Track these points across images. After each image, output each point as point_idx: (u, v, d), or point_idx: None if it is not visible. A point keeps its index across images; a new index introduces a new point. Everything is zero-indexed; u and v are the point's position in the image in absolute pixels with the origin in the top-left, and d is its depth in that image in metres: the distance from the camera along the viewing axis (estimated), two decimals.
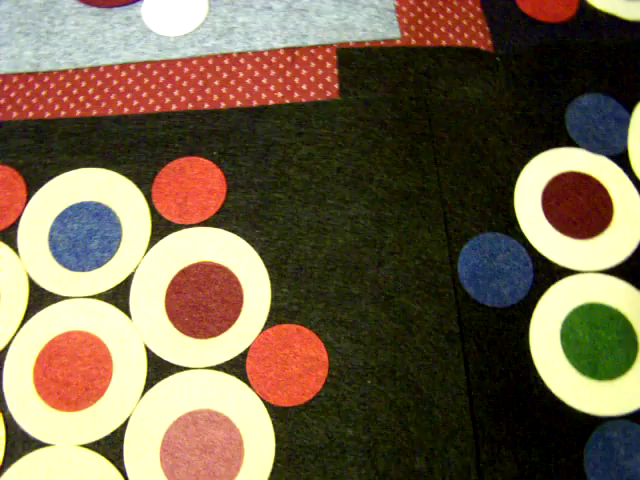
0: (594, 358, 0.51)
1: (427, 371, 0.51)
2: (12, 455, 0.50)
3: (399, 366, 0.51)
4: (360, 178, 0.56)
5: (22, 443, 0.50)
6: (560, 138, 0.58)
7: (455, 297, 0.53)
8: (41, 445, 0.50)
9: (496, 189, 0.56)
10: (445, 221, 0.55)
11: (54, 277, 0.54)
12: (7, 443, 0.50)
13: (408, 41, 0.61)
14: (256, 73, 0.60)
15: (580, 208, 0.55)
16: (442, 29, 0.62)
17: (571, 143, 0.57)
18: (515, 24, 0.62)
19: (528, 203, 0.55)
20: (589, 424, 0.50)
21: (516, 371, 0.51)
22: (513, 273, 0.53)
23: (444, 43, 0.61)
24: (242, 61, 0.61)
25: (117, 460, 0.50)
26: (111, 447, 0.50)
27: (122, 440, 0.50)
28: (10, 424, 0.51)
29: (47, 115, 0.60)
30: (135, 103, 0.60)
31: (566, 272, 0.54)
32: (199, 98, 0.59)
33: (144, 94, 0.60)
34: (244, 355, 0.52)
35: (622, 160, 0.57)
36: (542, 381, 0.51)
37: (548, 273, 0.54)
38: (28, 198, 0.57)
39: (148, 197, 0.56)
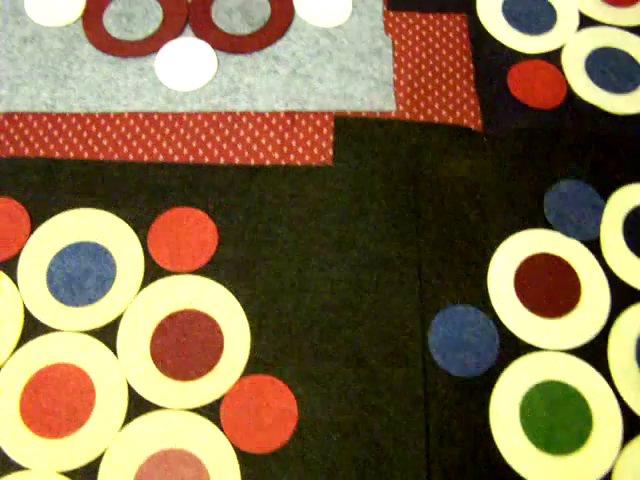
0: (550, 433, 0.54)
1: (390, 431, 0.54)
2: None
3: (364, 424, 0.54)
4: (344, 243, 0.59)
5: (0, 465, 0.53)
6: (537, 220, 0.61)
7: (423, 363, 0.56)
8: (18, 468, 0.53)
9: (472, 263, 0.59)
10: (420, 290, 0.58)
11: (49, 309, 0.57)
12: None
13: (402, 114, 0.65)
14: (256, 133, 0.64)
15: (550, 288, 0.58)
16: (436, 105, 0.65)
17: (547, 225, 0.61)
18: (506, 107, 0.65)
19: (501, 279, 0.58)
20: None
21: (475, 440, 0.54)
22: (480, 346, 0.56)
23: (436, 119, 0.64)
24: (244, 120, 0.64)
25: None
26: (86, 476, 0.52)
27: (97, 471, 0.53)
28: None
29: (57, 154, 0.63)
30: (140, 151, 0.63)
31: (531, 349, 0.57)
32: (200, 152, 0.63)
33: (149, 143, 0.63)
34: (219, 401, 0.55)
35: (594, 246, 0.60)
36: (498, 451, 0.53)
37: (513, 349, 0.57)
38: (31, 232, 0.60)
39: (144, 242, 0.59)
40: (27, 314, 0.57)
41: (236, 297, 0.58)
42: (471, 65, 0.68)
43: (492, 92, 0.66)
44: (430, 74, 0.67)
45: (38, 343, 0.56)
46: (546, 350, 0.57)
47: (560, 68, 0.69)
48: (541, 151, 0.63)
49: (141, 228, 0.60)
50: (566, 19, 0.72)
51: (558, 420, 0.54)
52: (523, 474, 0.53)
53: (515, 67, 0.68)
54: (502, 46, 0.69)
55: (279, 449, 0.53)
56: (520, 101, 0.66)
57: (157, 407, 0.55)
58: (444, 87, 0.66)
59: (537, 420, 0.54)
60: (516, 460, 0.53)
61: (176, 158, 0.63)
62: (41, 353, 0.56)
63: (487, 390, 0.55)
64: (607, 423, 0.54)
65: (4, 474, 0.53)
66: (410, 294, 0.57)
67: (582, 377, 0.56)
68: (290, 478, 0.52)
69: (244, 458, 0.53)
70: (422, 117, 0.65)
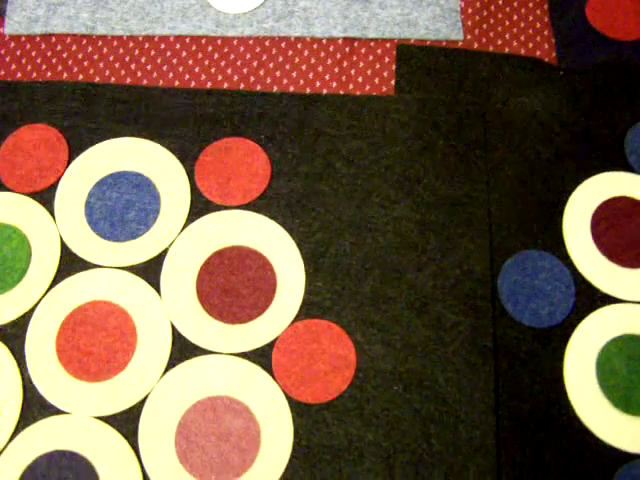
0: (629, 391, 0.50)
1: (456, 384, 0.49)
2: (27, 418, 0.49)
3: (428, 376, 0.50)
4: (408, 179, 0.55)
5: (38, 407, 0.50)
6: (617, 161, 0.56)
7: (492, 312, 0.51)
8: (57, 412, 0.50)
9: (545, 206, 0.54)
10: (490, 233, 0.53)
11: (87, 244, 0.54)
12: (23, 405, 0.50)
13: (470, 44, 0.60)
14: (312, 60, 0.59)
15: (630, 235, 0.54)
16: (506, 36, 0.60)
17: (628, 167, 0.56)
18: (583, 38, 0.60)
19: (577, 224, 0.54)
20: (617, 459, 0.48)
21: (547, 395, 0.50)
22: (554, 294, 0.52)
23: (507, 50, 0.59)
24: (299, 46, 0.60)
25: (131, 437, 0.49)
26: (126, 423, 0.49)
27: (138, 417, 0.49)
28: (28, 386, 0.50)
29: (97, 79, 0.59)
30: (187, 77, 0.59)
31: (608, 299, 0.52)
32: (252, 79, 0.58)
33: (196, 69, 0.59)
34: (271, 345, 0.51)
35: None
36: (572, 408, 0.49)
37: (590, 298, 0.52)
38: (69, 161, 0.56)
39: (190, 174, 0.55)
40: (65, 248, 0.54)
41: (290, 234, 0.53)
42: None
43: (568, 22, 0.61)
44: (500, 1, 0.62)
45: (76, 279, 0.53)
46: (626, 302, 0.52)
47: None
48: (622, 87, 0.58)
49: (188, 159, 0.56)
50: None
51: (638, 378, 0.50)
52: (598, 434, 0.49)
53: None
54: None
55: (335, 399, 0.49)
56: (600, 32, 0.60)
57: (203, 351, 0.51)
58: (516, 16, 0.61)
59: (615, 377, 0.50)
60: (591, 419, 0.49)
61: (225, 85, 0.58)
62: (79, 290, 0.52)
63: (561, 342, 0.51)
64: None
65: (42, 417, 0.49)
66: (479, 237, 0.53)
67: None
68: (346, 431, 0.49)
69: (297, 408, 0.49)
70: (491, 47, 0.60)
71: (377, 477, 0.48)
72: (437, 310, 0.51)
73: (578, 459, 0.48)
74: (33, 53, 0.60)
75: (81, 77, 0.59)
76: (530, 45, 0.60)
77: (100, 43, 0.60)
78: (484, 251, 0.53)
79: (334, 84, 0.58)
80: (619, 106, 0.57)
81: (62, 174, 0.56)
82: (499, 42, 0.60)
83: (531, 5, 0.61)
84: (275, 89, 0.58)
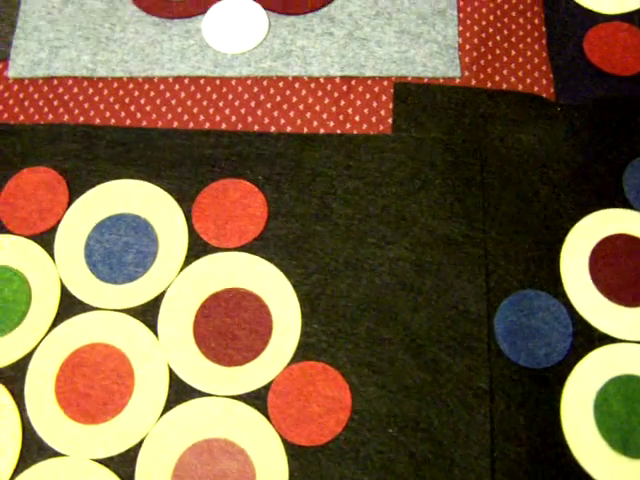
0: (627, 433, 0.49)
1: (451, 426, 0.49)
2: (26, 460, 0.50)
3: (423, 418, 0.50)
4: (404, 219, 0.55)
5: (37, 449, 0.50)
6: (615, 198, 0.55)
7: (488, 353, 0.51)
8: (55, 454, 0.50)
9: (543, 244, 0.54)
10: (486, 272, 0.53)
11: (86, 286, 0.54)
12: (22, 447, 0.50)
13: (468, 81, 0.60)
14: (310, 99, 0.59)
15: (629, 273, 0.53)
16: (504, 72, 0.60)
17: (627, 204, 0.55)
18: (581, 74, 0.60)
19: (575, 262, 0.54)
20: None
21: (544, 437, 0.49)
22: (551, 334, 0.52)
23: (505, 86, 0.59)
24: (297, 85, 0.60)
25: (128, 479, 0.49)
26: (124, 465, 0.50)
27: (135, 459, 0.49)
28: (27, 428, 0.51)
29: (97, 121, 0.60)
30: (185, 118, 0.59)
31: (607, 339, 0.52)
32: (249, 119, 0.59)
33: (195, 109, 0.59)
34: (267, 388, 0.51)
35: None
36: (570, 451, 0.49)
37: (588, 338, 0.52)
38: (69, 203, 0.57)
39: (188, 215, 0.56)
40: (64, 290, 0.54)
41: (286, 276, 0.54)
42: (543, 28, 0.62)
43: (566, 57, 0.61)
44: (498, 37, 0.62)
45: (75, 322, 0.53)
46: (624, 341, 0.52)
47: None
48: (620, 122, 0.58)
49: (185, 200, 0.56)
50: None
51: (637, 419, 0.49)
52: (596, 477, 0.48)
53: (593, 30, 0.62)
54: (578, 6, 0.63)
55: (330, 442, 0.49)
56: (598, 67, 0.60)
57: (200, 393, 0.51)
58: (513, 52, 0.61)
59: (614, 418, 0.50)
60: (589, 461, 0.49)
61: (223, 126, 0.59)
62: (78, 332, 0.53)
63: (558, 383, 0.51)
64: None
65: (41, 459, 0.50)
66: (475, 276, 0.53)
67: None
68: (342, 474, 0.49)
69: (292, 451, 0.49)
70: (489, 84, 0.60)
71: None
72: (432, 351, 0.51)
73: None
74: (35, 96, 0.61)
75: (82, 119, 0.60)
76: (528, 81, 0.60)
77: (101, 85, 0.61)
78: (480, 291, 0.52)
79: (331, 123, 0.58)
80: (617, 142, 0.57)
81: (62, 217, 0.56)
82: (497, 78, 0.60)
83: (529, 40, 0.61)
84: (273, 129, 0.58)
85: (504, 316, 0.52)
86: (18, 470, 0.50)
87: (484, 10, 0.63)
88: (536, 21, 0.62)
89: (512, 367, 0.51)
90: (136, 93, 0.60)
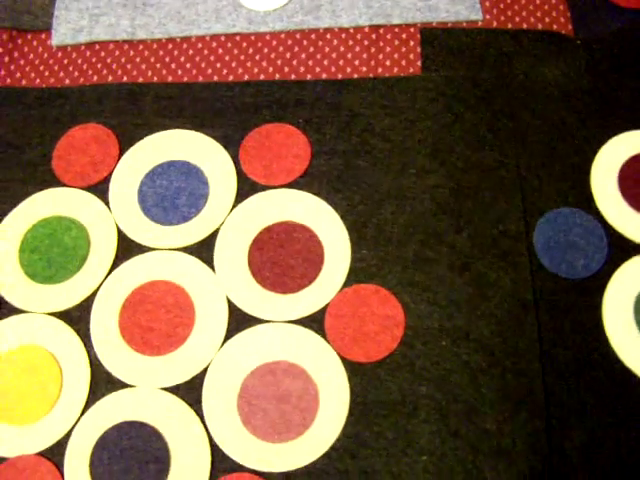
0: None
1: (500, 336, 0.52)
2: (95, 393, 0.52)
3: (473, 329, 0.52)
4: (440, 150, 0.58)
5: (105, 383, 0.52)
6: (638, 120, 0.58)
7: (530, 267, 0.54)
8: (124, 386, 0.52)
9: (573, 166, 0.57)
10: (522, 194, 0.56)
11: (142, 229, 0.57)
12: (92, 382, 0.52)
13: (490, 23, 0.63)
14: (341, 48, 0.62)
15: None
16: (523, 13, 0.63)
17: None
18: (596, 10, 0.63)
19: (605, 181, 0.56)
20: None
21: (588, 341, 0.52)
22: (588, 247, 0.54)
23: (525, 26, 0.62)
24: (328, 36, 0.63)
25: (195, 405, 0.51)
26: (190, 392, 0.52)
27: (201, 386, 0.52)
28: (95, 364, 0.53)
29: (140, 80, 0.62)
30: (225, 72, 0.62)
31: None
32: (286, 69, 0.62)
33: (233, 64, 0.62)
34: (323, 311, 0.53)
35: None
36: (614, 352, 0.51)
37: (623, 249, 0.54)
38: (120, 155, 0.59)
39: (235, 159, 0.58)
40: (121, 235, 0.57)
41: (333, 208, 0.56)
42: None
43: None
44: None
45: (134, 263, 0.56)
46: None
47: None
48: (638, 52, 0.61)
49: (232, 145, 0.59)
50: None
51: None
52: None
53: None
54: None
55: (387, 357, 0.52)
56: (612, 2, 0.63)
57: (259, 320, 0.53)
58: None
59: None
60: (633, 360, 0.51)
61: (262, 77, 0.62)
62: (138, 271, 0.55)
63: (598, 291, 0.53)
64: None
65: (110, 391, 0.52)
66: (512, 198, 0.56)
67: None
68: (400, 386, 0.51)
69: (351, 367, 0.52)
70: (510, 25, 0.63)
71: (432, 427, 0.50)
72: (477, 268, 0.54)
73: (623, 399, 0.50)
74: (79, 61, 0.64)
75: (125, 79, 0.62)
76: (547, 20, 0.63)
77: (141, 47, 0.64)
78: (517, 211, 0.55)
79: (364, 69, 0.61)
80: (636, 70, 0.60)
81: (114, 168, 0.59)
82: (517, 19, 0.63)
83: None
84: (309, 77, 0.61)
85: (542, 232, 0.55)
86: (89, 402, 0.52)
87: None
88: None
89: (554, 279, 0.53)
90: (176, 52, 0.63)
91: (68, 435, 0.51)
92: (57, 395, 0.52)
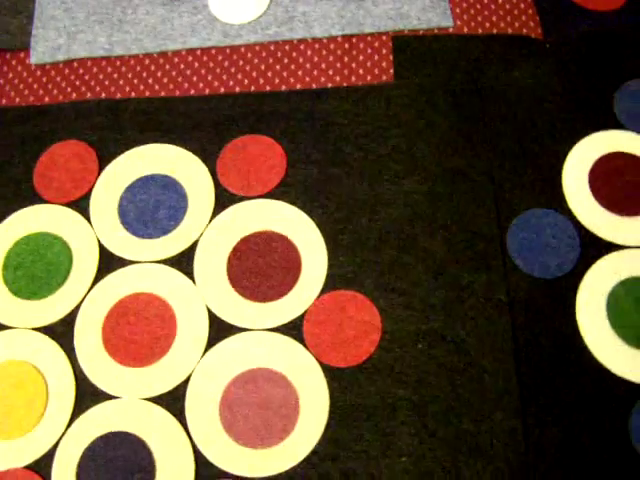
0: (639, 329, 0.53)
1: (476, 337, 0.53)
2: (81, 406, 0.53)
3: (449, 331, 0.53)
4: (413, 156, 0.59)
5: (90, 395, 0.53)
6: (608, 121, 0.59)
7: (504, 268, 0.55)
8: (108, 397, 0.53)
9: (544, 168, 0.58)
10: (495, 197, 0.57)
11: (123, 243, 0.58)
12: (77, 395, 0.53)
13: (461, 29, 0.64)
14: (315, 58, 0.63)
15: (626, 186, 0.57)
16: (493, 18, 0.64)
17: (619, 125, 0.59)
18: (564, 13, 0.64)
19: (575, 181, 0.57)
20: (634, 392, 0.51)
21: (562, 339, 0.53)
22: (560, 247, 0.55)
23: (495, 31, 0.64)
24: (302, 47, 0.64)
25: (179, 414, 0.52)
26: (174, 401, 0.53)
27: (184, 395, 0.53)
28: (80, 377, 0.54)
29: (118, 96, 0.63)
30: (201, 85, 0.63)
31: (612, 247, 0.55)
32: (261, 81, 0.63)
33: (209, 77, 0.63)
34: (301, 318, 0.54)
35: None
36: (588, 349, 0.52)
37: (595, 248, 0.55)
38: (100, 170, 0.60)
39: (213, 171, 0.59)
40: (102, 249, 0.58)
41: (310, 216, 0.57)
42: None
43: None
44: None
45: (116, 276, 0.57)
46: (628, 247, 0.55)
47: None
48: (606, 53, 0.62)
49: (209, 158, 0.60)
50: None
51: None
52: (614, 370, 0.52)
53: None
54: None
55: (365, 361, 0.53)
56: (579, 5, 0.64)
57: (239, 329, 0.54)
58: None
59: (625, 317, 0.53)
60: (607, 357, 0.52)
61: (237, 89, 0.63)
62: (120, 284, 0.56)
63: (571, 290, 0.54)
64: None
65: (95, 403, 0.53)
66: (485, 201, 0.57)
67: None
68: (379, 389, 0.52)
69: (331, 372, 0.53)
70: (480, 30, 0.64)
71: (411, 429, 0.51)
72: (452, 271, 0.55)
73: (598, 396, 0.51)
74: (58, 78, 0.65)
75: (104, 95, 0.63)
76: (516, 24, 0.64)
77: (118, 63, 0.65)
78: (491, 214, 0.56)
79: (337, 78, 0.62)
80: (605, 71, 0.61)
81: (94, 183, 0.60)
82: (487, 25, 0.64)
83: None
84: (283, 88, 0.62)
85: (515, 234, 0.56)
86: (75, 414, 0.53)
87: None
88: None
89: (527, 279, 0.54)
90: (153, 67, 0.64)
91: (55, 447, 0.52)
92: (43, 408, 0.53)
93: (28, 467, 0.52)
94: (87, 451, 0.52)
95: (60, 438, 0.52)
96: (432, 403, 0.51)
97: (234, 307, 0.55)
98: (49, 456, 0.52)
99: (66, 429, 0.53)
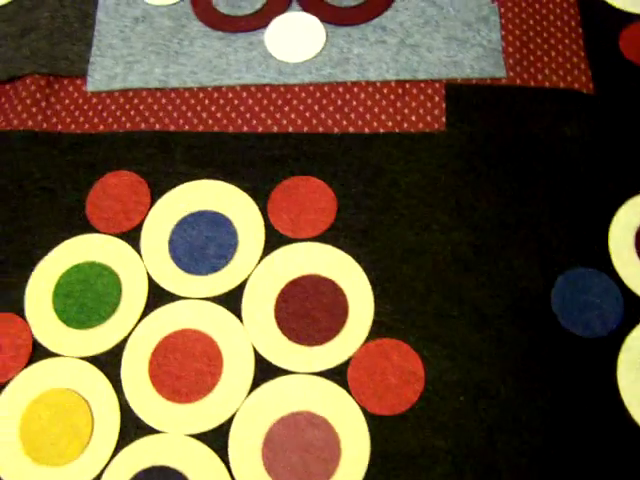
0: None
1: (516, 393, 0.53)
2: (125, 438, 0.54)
3: (490, 386, 0.54)
4: (462, 207, 0.59)
5: (135, 428, 0.54)
6: None
7: (547, 326, 0.55)
8: (152, 431, 0.54)
9: (591, 226, 0.59)
10: (541, 252, 0.58)
11: (172, 278, 0.59)
12: (122, 427, 0.54)
13: (513, 81, 0.64)
14: (368, 102, 0.64)
15: None
16: (546, 71, 0.65)
17: None
18: (618, 69, 0.65)
19: (622, 241, 0.58)
20: None
21: (601, 399, 0.53)
22: (604, 307, 0.56)
23: (547, 84, 0.64)
24: (356, 90, 0.65)
25: (221, 451, 0.53)
26: (217, 439, 0.54)
27: (227, 433, 0.54)
28: (125, 409, 0.55)
29: (172, 128, 0.64)
30: (254, 122, 0.64)
31: None
32: (314, 122, 0.64)
33: (263, 114, 0.64)
34: (346, 364, 0.55)
35: None
36: (627, 411, 0.53)
37: (638, 309, 0.56)
38: (151, 203, 0.61)
39: (263, 210, 0.60)
40: (152, 282, 0.59)
41: (357, 262, 0.58)
42: (580, 29, 0.67)
43: (603, 55, 0.66)
44: (539, 40, 0.67)
45: (164, 310, 0.58)
46: None
47: None
48: None
49: (260, 197, 0.61)
50: None
51: None
52: None
53: (627, 29, 0.67)
54: (612, 8, 0.68)
55: (407, 411, 0.53)
56: (633, 63, 0.65)
57: (284, 371, 0.55)
58: (553, 52, 0.66)
59: None
60: None
61: (290, 129, 0.63)
62: (168, 320, 0.57)
63: (614, 350, 0.55)
64: None
65: (139, 437, 0.54)
66: (531, 256, 0.57)
67: None
68: (419, 440, 0.53)
69: (372, 420, 0.53)
70: (533, 83, 0.64)
71: None
72: (497, 325, 0.55)
73: (634, 457, 0.52)
74: (113, 107, 0.66)
75: (157, 127, 0.64)
76: (569, 78, 0.64)
77: (173, 95, 0.66)
78: (537, 270, 0.57)
79: (390, 123, 0.63)
80: None
81: (145, 215, 0.61)
82: (539, 77, 0.64)
83: (567, 41, 0.66)
84: (336, 130, 0.63)
85: (560, 291, 0.56)
86: (118, 447, 0.54)
87: (524, 15, 0.68)
88: (573, 23, 0.67)
89: (570, 337, 0.55)
90: (207, 101, 0.65)
91: (98, 478, 0.53)
92: (88, 438, 0.54)
93: None
94: None
95: (104, 469, 0.53)
96: (471, 457, 0.52)
97: (280, 349, 0.56)
98: None
99: (110, 460, 0.53)
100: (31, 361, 0.57)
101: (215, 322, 0.57)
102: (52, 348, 0.57)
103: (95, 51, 0.68)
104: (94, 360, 0.57)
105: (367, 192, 0.60)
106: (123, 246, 0.60)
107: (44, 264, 0.60)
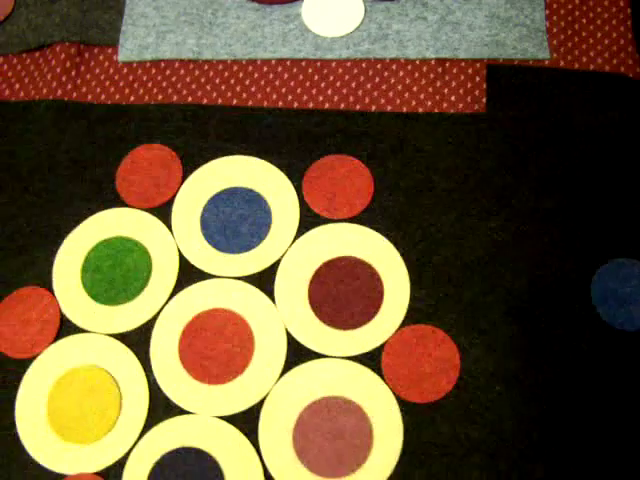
0: None
1: (553, 384, 0.52)
2: (153, 418, 0.53)
3: (527, 376, 0.53)
4: (502, 192, 0.58)
5: (164, 408, 0.54)
6: None
7: (586, 317, 0.54)
8: (181, 412, 0.53)
9: (634, 215, 0.57)
10: (581, 242, 0.56)
11: (204, 255, 0.58)
12: (150, 406, 0.54)
13: (556, 63, 0.63)
14: (407, 80, 0.62)
15: None
16: (591, 53, 0.63)
17: None
18: None
19: None
20: None
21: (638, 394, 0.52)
22: None
23: (592, 67, 0.62)
24: (394, 67, 0.63)
25: (251, 434, 0.52)
26: (247, 422, 0.53)
27: (258, 417, 0.53)
28: (154, 388, 0.54)
29: (205, 101, 0.63)
30: (289, 98, 0.62)
31: None
32: (351, 99, 0.62)
33: (298, 90, 0.63)
34: (380, 349, 0.54)
35: None
36: None
37: None
38: (183, 177, 0.60)
39: (298, 189, 0.59)
40: (182, 259, 0.57)
41: (394, 245, 0.57)
42: (628, 10, 0.65)
43: None
44: (584, 20, 0.65)
45: (195, 289, 0.57)
46: None
47: None
48: None
49: (295, 175, 0.59)
50: None
51: None
52: None
53: None
54: None
55: (441, 399, 0.53)
56: None
57: (317, 355, 0.54)
58: (599, 34, 0.64)
59: None
60: None
61: (326, 105, 0.62)
62: (198, 298, 0.56)
63: None
64: None
65: (168, 417, 0.53)
66: (571, 245, 0.56)
67: None
68: (452, 429, 0.52)
69: (406, 407, 0.52)
70: (577, 65, 0.62)
71: (482, 472, 0.51)
72: (534, 316, 0.54)
73: None
74: (144, 78, 0.64)
75: (190, 99, 0.63)
76: (614, 61, 0.62)
77: (206, 67, 0.64)
78: (577, 259, 0.56)
79: (429, 103, 0.61)
80: None
81: (177, 190, 0.60)
82: (584, 59, 0.63)
83: (614, 22, 0.64)
84: (373, 108, 0.62)
85: (600, 282, 0.55)
86: (147, 426, 0.53)
87: None
88: (621, 3, 0.65)
89: (608, 329, 0.54)
90: (241, 75, 0.64)
91: (126, 457, 0.52)
92: (116, 417, 0.53)
93: (99, 473, 0.52)
94: (158, 464, 0.52)
95: (132, 448, 0.53)
96: (505, 448, 0.51)
97: (313, 332, 0.55)
98: (120, 465, 0.52)
99: (138, 439, 0.53)
100: (58, 336, 0.56)
101: (247, 302, 0.56)
102: (80, 324, 0.56)
103: (127, 20, 0.66)
104: (122, 338, 0.56)
105: (405, 173, 0.59)
106: (153, 221, 0.59)
107: (73, 237, 0.59)
